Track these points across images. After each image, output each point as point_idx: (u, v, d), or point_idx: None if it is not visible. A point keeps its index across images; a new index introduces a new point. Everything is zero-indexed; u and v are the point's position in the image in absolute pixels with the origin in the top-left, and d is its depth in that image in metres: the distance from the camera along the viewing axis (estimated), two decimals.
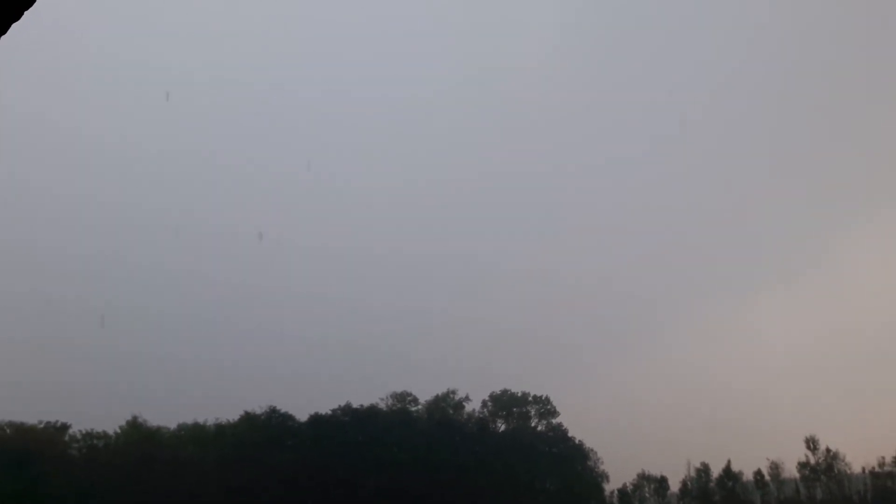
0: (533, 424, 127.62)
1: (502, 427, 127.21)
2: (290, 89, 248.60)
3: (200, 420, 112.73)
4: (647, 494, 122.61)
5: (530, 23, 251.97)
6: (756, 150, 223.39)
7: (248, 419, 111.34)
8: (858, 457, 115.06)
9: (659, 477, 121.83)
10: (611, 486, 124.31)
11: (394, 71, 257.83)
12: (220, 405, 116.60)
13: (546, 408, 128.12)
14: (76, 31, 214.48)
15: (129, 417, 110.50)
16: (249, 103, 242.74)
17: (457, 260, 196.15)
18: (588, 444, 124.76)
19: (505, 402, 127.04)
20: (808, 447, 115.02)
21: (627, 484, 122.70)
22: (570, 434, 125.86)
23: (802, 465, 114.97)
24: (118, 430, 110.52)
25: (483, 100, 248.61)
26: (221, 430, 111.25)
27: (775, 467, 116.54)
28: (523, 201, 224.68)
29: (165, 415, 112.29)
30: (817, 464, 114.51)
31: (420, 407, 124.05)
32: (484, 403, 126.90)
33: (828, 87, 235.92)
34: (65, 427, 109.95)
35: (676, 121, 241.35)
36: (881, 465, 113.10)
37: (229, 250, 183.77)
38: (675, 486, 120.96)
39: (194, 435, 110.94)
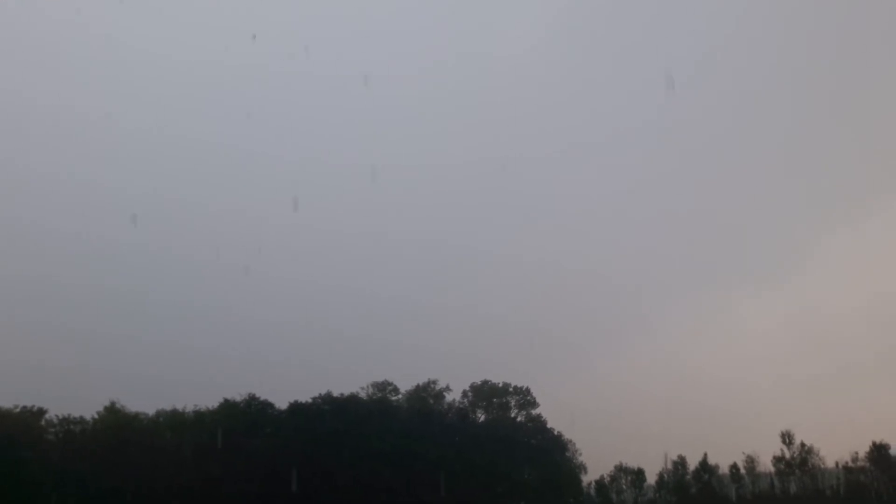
0: (513, 415, 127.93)
1: (482, 417, 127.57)
2: (274, 69, 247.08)
3: (179, 406, 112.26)
4: (623, 486, 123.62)
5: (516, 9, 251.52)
6: (748, 146, 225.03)
7: (227, 406, 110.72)
8: (832, 452, 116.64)
9: (636, 469, 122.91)
10: (588, 478, 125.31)
11: (374, 56, 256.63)
12: (199, 392, 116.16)
13: (526, 399, 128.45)
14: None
15: (108, 403, 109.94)
16: (228, 83, 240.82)
17: (441, 247, 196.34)
18: (567, 435, 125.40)
19: (485, 393, 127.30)
20: (784, 442, 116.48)
21: (605, 476, 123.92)
22: (549, 425, 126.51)
23: (778, 460, 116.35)
24: (96, 416, 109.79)
25: (468, 86, 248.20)
26: (200, 416, 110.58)
27: (751, 461, 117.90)
28: (510, 189, 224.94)
29: (144, 401, 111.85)
30: (792, 458, 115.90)
31: (400, 396, 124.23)
32: (464, 393, 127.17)
33: (818, 86, 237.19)
34: (41, 411, 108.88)
35: (664, 113, 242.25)
36: (854, 460, 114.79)
37: (211, 234, 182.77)
38: (651, 478, 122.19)
39: (172, 421, 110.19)
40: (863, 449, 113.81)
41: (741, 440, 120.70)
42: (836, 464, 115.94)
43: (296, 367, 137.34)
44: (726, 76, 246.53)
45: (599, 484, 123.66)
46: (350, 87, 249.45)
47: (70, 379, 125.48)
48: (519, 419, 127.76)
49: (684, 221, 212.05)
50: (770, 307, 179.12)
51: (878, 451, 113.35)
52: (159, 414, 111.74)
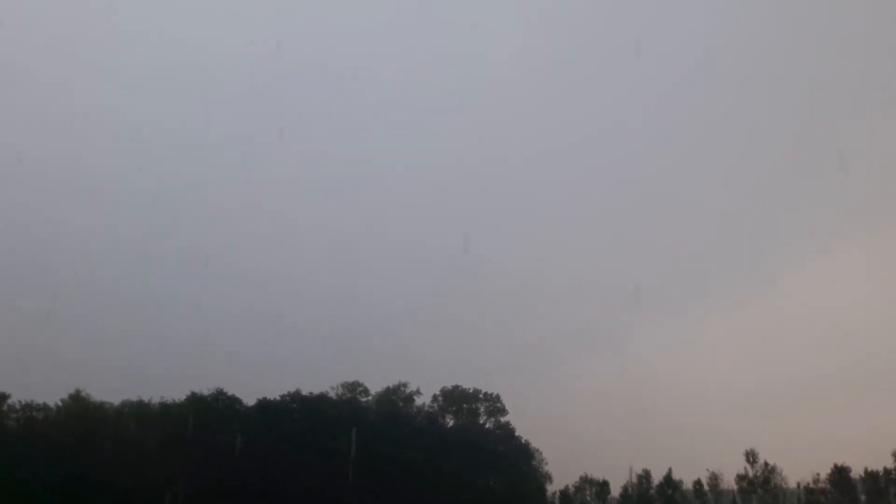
0: (482, 421, 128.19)
1: (451, 422, 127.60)
2: (268, 64, 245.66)
3: (145, 398, 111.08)
4: (588, 498, 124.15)
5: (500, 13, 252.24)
6: (728, 161, 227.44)
7: (194, 400, 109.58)
8: (794, 472, 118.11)
9: (601, 481, 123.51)
10: (553, 488, 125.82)
11: (360, 56, 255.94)
12: (166, 384, 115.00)
13: (496, 405, 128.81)
14: None
15: (73, 391, 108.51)
16: (222, 74, 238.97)
17: (419, 249, 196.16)
18: (534, 444, 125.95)
19: (455, 398, 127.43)
20: (748, 460, 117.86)
21: (570, 486, 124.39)
22: (517, 433, 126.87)
23: (741, 478, 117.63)
24: (59, 403, 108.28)
25: (450, 88, 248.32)
26: (166, 409, 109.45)
27: (714, 478, 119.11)
28: (487, 193, 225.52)
29: (110, 390, 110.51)
30: (755, 477, 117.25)
31: (370, 398, 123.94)
32: (435, 398, 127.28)
33: (803, 97, 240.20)
34: (4, 396, 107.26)
35: (646, 123, 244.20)
36: (815, 481, 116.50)
37: (182, 224, 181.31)
38: (616, 490, 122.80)
39: (138, 413, 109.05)
40: (824, 470, 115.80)
41: (706, 456, 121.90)
42: (798, 484, 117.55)
43: (266, 362, 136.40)
44: (712, 87, 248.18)
45: (564, 494, 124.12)
46: (337, 82, 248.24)
47: (35, 365, 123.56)
48: (488, 426, 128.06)
49: (656, 235, 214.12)
50: (739, 324, 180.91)
51: (839, 473, 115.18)
52: (125, 404, 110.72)
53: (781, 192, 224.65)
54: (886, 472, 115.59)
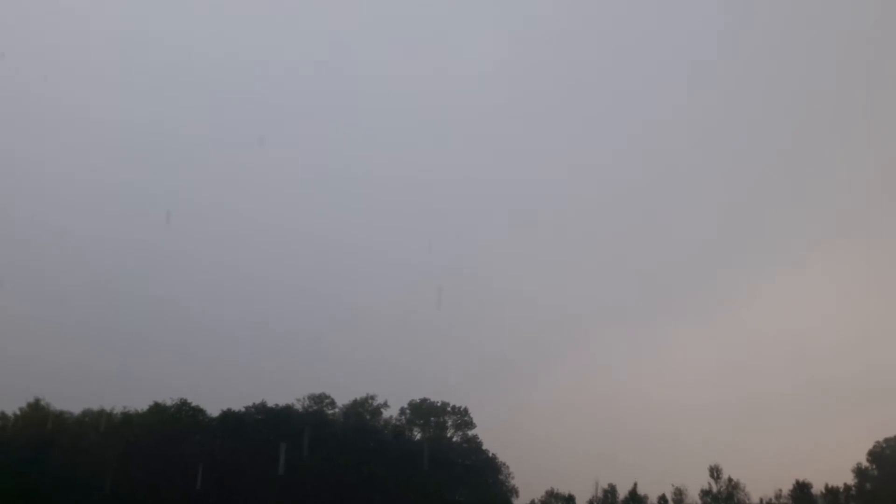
0: (449, 435, 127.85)
1: (418, 435, 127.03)
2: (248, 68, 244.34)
3: (107, 407, 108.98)
4: None
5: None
6: (697, 175, 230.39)
7: (157, 410, 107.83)
8: (757, 488, 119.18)
9: (567, 495, 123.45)
10: (520, 502, 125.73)
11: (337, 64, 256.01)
12: (128, 393, 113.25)
13: (463, 419, 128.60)
14: None
15: (31, 399, 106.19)
16: (200, 77, 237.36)
17: (388, 260, 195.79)
18: (501, 458, 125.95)
19: (423, 411, 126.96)
20: (712, 475, 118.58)
21: (536, 500, 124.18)
22: (484, 447, 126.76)
23: (705, 493, 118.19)
24: (18, 412, 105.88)
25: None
26: (128, 418, 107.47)
27: (679, 493, 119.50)
28: (453, 205, 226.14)
29: (70, 399, 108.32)
30: (719, 492, 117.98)
31: (337, 410, 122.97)
32: (402, 411, 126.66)
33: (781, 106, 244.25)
34: None
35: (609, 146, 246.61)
36: (778, 496, 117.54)
37: (149, 231, 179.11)
38: None
39: (99, 422, 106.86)
40: (786, 486, 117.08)
41: (671, 471, 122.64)
42: (760, 500, 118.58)
43: (231, 373, 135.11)
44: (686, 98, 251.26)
45: None
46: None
47: None
48: (455, 439, 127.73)
49: (623, 249, 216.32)
50: (703, 340, 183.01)
51: (801, 489, 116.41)
52: (86, 414, 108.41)
53: (746, 206, 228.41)
54: (847, 488, 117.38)
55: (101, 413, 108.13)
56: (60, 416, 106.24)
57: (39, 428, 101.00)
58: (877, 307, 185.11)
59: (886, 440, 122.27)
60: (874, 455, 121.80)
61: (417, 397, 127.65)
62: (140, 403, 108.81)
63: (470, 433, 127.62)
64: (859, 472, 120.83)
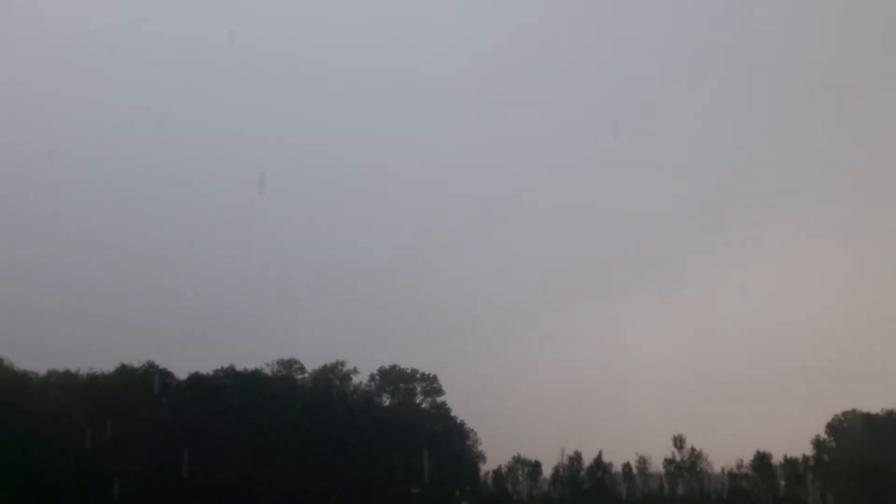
0: (418, 401, 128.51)
1: (388, 402, 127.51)
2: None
3: (73, 368, 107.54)
4: (520, 477, 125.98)
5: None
6: (655, 156, 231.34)
7: (124, 372, 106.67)
8: (719, 458, 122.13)
9: (533, 461, 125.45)
10: (487, 467, 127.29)
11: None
12: (94, 355, 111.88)
13: (433, 385, 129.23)
14: None
15: None
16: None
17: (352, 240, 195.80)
18: (469, 424, 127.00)
19: (393, 378, 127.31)
20: (675, 445, 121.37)
21: (503, 466, 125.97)
22: (452, 413, 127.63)
23: (668, 462, 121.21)
24: None
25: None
26: (94, 380, 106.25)
27: (643, 462, 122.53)
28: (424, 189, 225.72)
29: (35, 360, 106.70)
30: (682, 461, 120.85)
31: (306, 375, 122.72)
32: (372, 377, 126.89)
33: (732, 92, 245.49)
34: None
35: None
36: (738, 466, 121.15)
37: (111, 199, 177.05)
38: (548, 471, 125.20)
39: (65, 383, 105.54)
40: (747, 457, 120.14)
41: (635, 441, 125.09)
42: (722, 469, 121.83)
43: (200, 338, 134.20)
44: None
45: (497, 473, 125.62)
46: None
47: None
48: (424, 405, 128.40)
49: (586, 226, 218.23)
50: (666, 316, 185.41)
51: (761, 459, 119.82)
52: (51, 374, 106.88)
53: (709, 184, 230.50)
54: (805, 459, 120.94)
55: (67, 374, 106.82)
56: (25, 376, 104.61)
57: (2, 386, 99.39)
58: (841, 284, 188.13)
59: (845, 413, 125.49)
60: (832, 428, 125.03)
61: (387, 364, 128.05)
62: (106, 365, 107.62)
63: (439, 400, 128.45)
64: (818, 444, 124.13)
